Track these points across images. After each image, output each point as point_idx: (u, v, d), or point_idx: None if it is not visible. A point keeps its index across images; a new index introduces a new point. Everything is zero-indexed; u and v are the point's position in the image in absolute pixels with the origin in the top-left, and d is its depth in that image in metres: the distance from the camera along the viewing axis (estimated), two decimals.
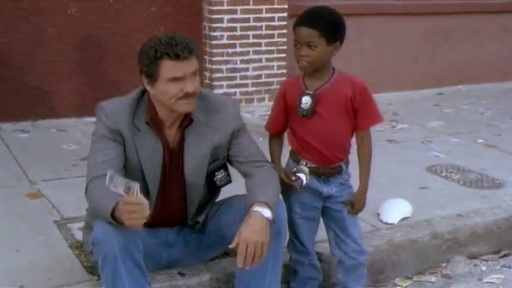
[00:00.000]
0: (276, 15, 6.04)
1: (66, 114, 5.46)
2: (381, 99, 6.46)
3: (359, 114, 2.77)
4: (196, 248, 2.91)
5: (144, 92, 2.68)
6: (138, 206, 2.26)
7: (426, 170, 4.59)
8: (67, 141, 4.94)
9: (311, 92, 2.71)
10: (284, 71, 6.18)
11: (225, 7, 5.82)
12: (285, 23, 6.08)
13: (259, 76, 6.10)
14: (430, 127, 5.83)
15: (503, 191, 4.23)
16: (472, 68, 7.67)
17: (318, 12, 2.71)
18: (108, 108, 2.64)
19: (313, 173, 2.79)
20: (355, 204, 2.84)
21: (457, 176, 4.49)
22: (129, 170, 2.67)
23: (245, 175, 2.77)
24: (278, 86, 5.99)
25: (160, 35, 2.57)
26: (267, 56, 6.07)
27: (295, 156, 2.85)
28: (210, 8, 5.80)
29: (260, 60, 6.07)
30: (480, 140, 5.42)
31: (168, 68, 2.52)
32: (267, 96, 6.15)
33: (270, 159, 2.86)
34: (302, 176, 2.77)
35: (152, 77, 2.56)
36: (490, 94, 7.33)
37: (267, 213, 2.49)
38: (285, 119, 2.83)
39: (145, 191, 2.61)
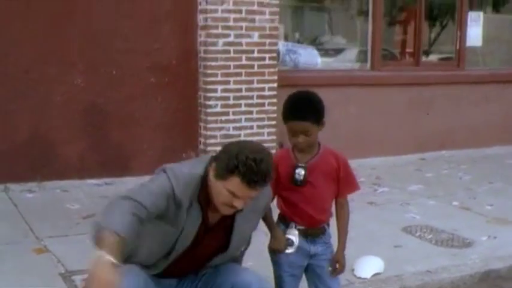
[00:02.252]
0: (267, 85, 6.47)
1: (70, 176, 5.82)
2: (366, 163, 6.90)
3: (341, 184, 3.11)
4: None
5: (205, 170, 2.71)
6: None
7: (402, 230, 4.96)
8: (70, 201, 5.30)
9: (304, 165, 3.02)
10: (274, 137, 6.58)
11: (219, 78, 6.26)
12: (274, 92, 6.49)
13: None
14: (409, 190, 6.21)
15: (471, 250, 4.58)
16: (454, 135, 8.09)
17: (305, 105, 3.01)
18: (182, 180, 2.66)
19: (302, 234, 3.08)
20: (339, 264, 3.12)
21: (430, 235, 4.86)
22: (163, 236, 2.71)
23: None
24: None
25: (249, 149, 2.60)
26: (258, 123, 6.47)
27: (285, 220, 3.12)
28: (205, 79, 6.24)
29: (252, 127, 6.48)
30: (455, 203, 5.80)
31: (235, 184, 2.57)
32: None
33: (264, 223, 3.08)
34: (293, 238, 3.05)
35: (219, 175, 2.60)
36: (471, 159, 7.73)
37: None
38: (276, 188, 3.05)
39: (168, 253, 2.74)
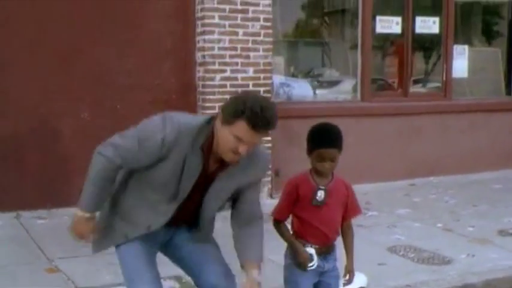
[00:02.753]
0: None
1: (77, 203, 6.20)
2: (357, 189, 7.03)
3: (348, 208, 3.41)
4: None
5: (209, 121, 2.92)
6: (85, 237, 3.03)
7: (387, 249, 5.32)
8: None
9: (324, 187, 3.30)
10: (270, 165, 6.98)
11: (216, 110, 6.63)
12: None
13: None
14: (397, 214, 6.58)
15: (450, 267, 4.94)
16: (442, 161, 8.46)
17: (334, 134, 3.31)
18: (177, 124, 2.87)
19: (317, 252, 3.34)
20: (350, 273, 3.44)
21: (413, 254, 5.22)
22: (162, 181, 2.93)
23: (239, 223, 3.13)
24: (266, 179, 6.86)
25: (256, 98, 2.84)
26: None
27: (301, 242, 3.36)
28: (203, 112, 6.63)
29: None
30: (439, 225, 6.16)
31: (241, 129, 2.76)
32: None
33: (286, 241, 3.35)
34: (313, 255, 3.31)
35: (226, 121, 2.78)
36: (458, 184, 8.10)
37: (258, 276, 3.01)
38: (293, 208, 3.34)
39: (174, 198, 2.95)
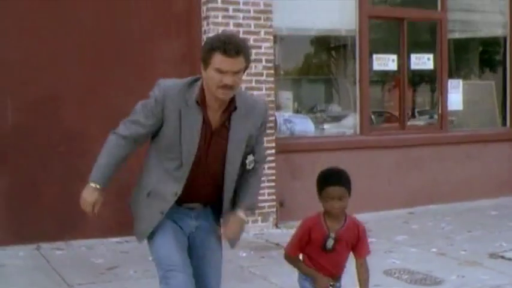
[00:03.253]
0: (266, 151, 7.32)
1: (94, 235, 6.63)
2: (358, 218, 7.62)
3: (360, 246, 3.58)
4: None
5: (197, 79, 3.24)
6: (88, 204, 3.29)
7: (383, 273, 5.69)
8: (95, 256, 6.10)
9: (333, 236, 3.48)
10: (274, 197, 7.40)
11: None
12: (273, 157, 7.32)
13: None
14: (395, 240, 6.95)
15: (441, 286, 5.32)
16: (440, 190, 8.84)
17: (342, 174, 3.54)
18: (163, 84, 3.24)
19: None
20: None
21: (406, 276, 5.60)
22: (167, 142, 3.24)
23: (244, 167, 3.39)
24: (268, 210, 7.27)
25: (222, 33, 3.42)
26: None
27: None
28: None
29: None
30: (434, 249, 6.53)
31: (217, 60, 3.07)
32: (259, 218, 7.34)
33: (302, 271, 3.55)
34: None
35: (206, 63, 3.11)
36: (456, 212, 8.47)
37: (244, 216, 3.34)
38: (304, 247, 3.55)
39: (186, 158, 3.19)
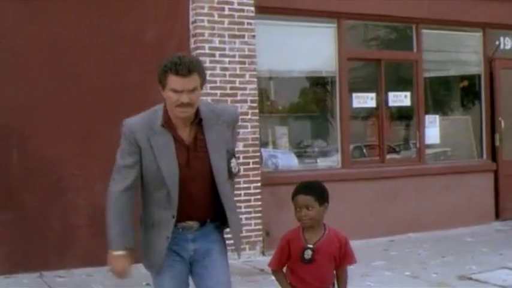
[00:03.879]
0: (252, 185, 7.88)
1: (94, 264, 7.12)
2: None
3: (341, 258, 3.63)
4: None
5: (159, 107, 3.38)
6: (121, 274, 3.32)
7: None
8: (95, 283, 6.61)
9: (311, 247, 3.53)
10: (260, 226, 7.94)
11: None
12: (259, 190, 7.89)
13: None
14: (372, 265, 7.45)
15: None
16: (420, 219, 9.36)
17: (310, 183, 3.67)
18: (127, 122, 3.37)
19: None
20: None
21: None
22: (148, 174, 3.33)
23: None
24: (256, 239, 7.80)
25: (175, 54, 3.28)
26: (246, 215, 7.75)
27: (292, 286, 3.63)
28: None
29: (241, 220, 7.82)
30: (407, 273, 7.04)
31: (171, 81, 3.20)
32: (247, 246, 7.87)
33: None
34: None
35: (162, 84, 3.25)
36: (434, 239, 8.99)
37: None
38: (287, 260, 3.62)
39: (166, 188, 3.27)
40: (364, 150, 9.94)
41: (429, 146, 9.98)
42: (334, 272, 3.69)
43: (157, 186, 3.32)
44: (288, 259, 3.61)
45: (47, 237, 7.17)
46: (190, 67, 3.21)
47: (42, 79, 7.21)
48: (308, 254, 3.52)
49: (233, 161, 3.43)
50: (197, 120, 3.33)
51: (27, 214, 7.13)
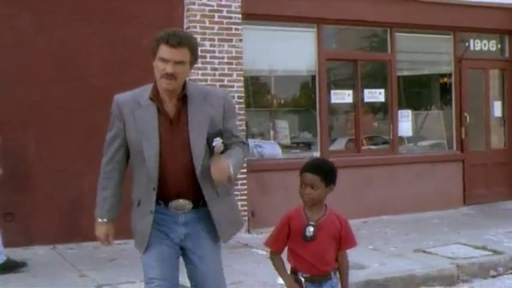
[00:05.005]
0: None
1: None
2: None
3: (342, 240, 3.63)
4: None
5: (151, 84, 3.49)
6: (101, 239, 3.63)
7: None
8: (99, 253, 7.60)
9: (314, 223, 3.51)
10: (246, 207, 8.97)
11: None
12: (245, 175, 8.94)
13: None
14: None
15: (363, 270, 6.87)
16: (392, 204, 10.38)
17: (318, 162, 3.68)
18: (116, 97, 3.55)
19: (309, 280, 3.58)
20: None
21: None
22: (132, 147, 3.48)
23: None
24: (242, 219, 8.84)
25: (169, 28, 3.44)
26: None
27: (292, 270, 3.66)
28: None
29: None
30: (370, 247, 8.07)
31: (161, 50, 3.32)
32: None
33: (278, 274, 3.65)
34: (303, 283, 3.61)
35: (153, 54, 3.37)
36: (403, 221, 10.00)
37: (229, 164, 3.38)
38: (285, 240, 3.58)
39: (144, 159, 3.39)
40: (344, 142, 10.95)
41: (402, 138, 11.02)
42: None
43: (140, 160, 3.44)
44: (288, 238, 3.59)
45: (59, 215, 8.25)
46: (181, 39, 3.34)
47: (54, 80, 8.26)
48: (310, 230, 3.50)
49: (217, 139, 3.40)
50: (182, 96, 3.44)
51: (42, 195, 8.22)
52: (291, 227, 3.57)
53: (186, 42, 3.37)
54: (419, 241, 8.42)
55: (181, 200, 3.48)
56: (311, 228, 3.50)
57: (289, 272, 3.69)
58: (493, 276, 7.18)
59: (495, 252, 7.70)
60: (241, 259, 7.39)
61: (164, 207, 3.49)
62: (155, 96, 3.46)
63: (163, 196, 3.47)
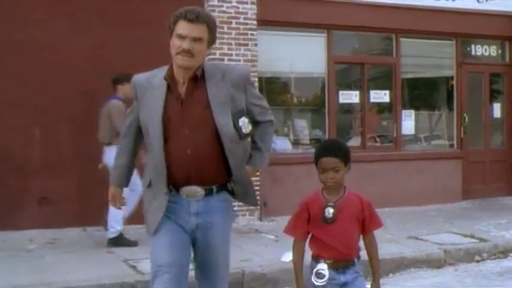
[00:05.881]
0: None
1: (125, 223, 9.14)
2: None
3: (366, 222, 3.52)
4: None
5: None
6: (110, 201, 3.69)
7: None
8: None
9: (333, 204, 3.39)
10: (259, 197, 9.80)
11: None
12: None
13: None
14: None
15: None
16: (394, 197, 11.13)
17: (336, 144, 3.62)
18: (134, 77, 3.54)
19: (332, 266, 3.47)
20: None
21: None
22: (143, 126, 3.44)
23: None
24: (255, 207, 9.75)
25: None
26: None
27: (315, 258, 3.55)
28: None
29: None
30: None
31: (179, 26, 3.23)
32: (247, 213, 9.80)
33: (295, 274, 3.51)
34: (323, 271, 3.48)
35: (171, 31, 3.25)
36: (403, 213, 10.79)
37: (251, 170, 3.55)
38: (307, 226, 3.46)
39: (159, 133, 3.34)
40: (348, 137, 11.76)
41: (405, 136, 11.83)
42: (361, 240, 3.60)
43: (149, 141, 3.44)
44: (308, 223, 3.49)
45: (90, 202, 9.16)
46: (199, 15, 3.28)
47: (84, 78, 9.12)
48: (329, 212, 3.41)
49: (243, 119, 3.34)
50: (197, 75, 3.34)
51: (76, 185, 9.17)
52: (310, 212, 3.48)
53: (205, 19, 3.29)
54: (414, 230, 9.21)
55: (193, 186, 3.39)
56: (330, 210, 3.42)
57: (310, 259, 3.59)
58: (477, 261, 7.96)
59: (481, 239, 8.52)
60: (252, 242, 8.27)
61: (175, 194, 3.42)
62: (169, 77, 3.39)
63: (173, 180, 3.39)
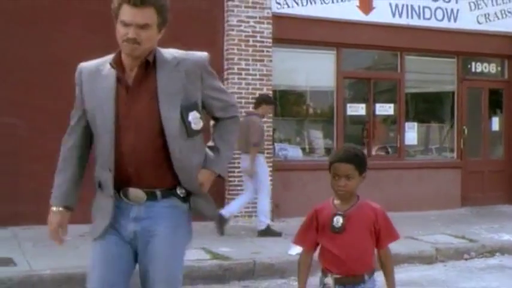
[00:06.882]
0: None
1: None
2: None
3: (381, 235, 3.28)
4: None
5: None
6: (50, 233, 3.02)
7: None
8: None
9: (342, 213, 3.17)
10: (271, 200, 10.80)
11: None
12: (271, 173, 10.75)
13: None
14: None
15: None
16: (396, 202, 11.91)
17: (351, 150, 3.35)
18: (80, 64, 3.10)
19: (339, 282, 3.22)
20: None
21: None
22: (90, 119, 3.00)
23: (214, 119, 3.18)
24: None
25: None
26: None
27: (323, 271, 3.34)
28: None
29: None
30: None
31: (123, 11, 2.83)
32: None
33: (297, 279, 3.32)
34: (329, 285, 3.28)
35: (116, 17, 2.87)
36: (404, 217, 11.50)
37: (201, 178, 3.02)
38: (316, 235, 3.23)
39: (106, 124, 2.92)
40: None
41: (408, 146, 12.73)
42: (375, 255, 3.33)
43: (96, 135, 3.05)
44: (317, 232, 3.29)
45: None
46: None
47: None
48: (338, 221, 3.21)
49: (193, 113, 2.96)
50: (148, 60, 2.97)
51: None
52: (319, 220, 3.29)
53: (151, 1, 2.88)
54: (412, 231, 9.95)
55: (134, 189, 2.99)
56: (339, 219, 3.21)
57: (320, 274, 3.37)
58: (466, 259, 8.82)
59: (471, 240, 9.41)
60: (263, 238, 9.20)
61: (118, 195, 3.02)
62: (117, 63, 2.99)
63: (118, 181, 2.99)
